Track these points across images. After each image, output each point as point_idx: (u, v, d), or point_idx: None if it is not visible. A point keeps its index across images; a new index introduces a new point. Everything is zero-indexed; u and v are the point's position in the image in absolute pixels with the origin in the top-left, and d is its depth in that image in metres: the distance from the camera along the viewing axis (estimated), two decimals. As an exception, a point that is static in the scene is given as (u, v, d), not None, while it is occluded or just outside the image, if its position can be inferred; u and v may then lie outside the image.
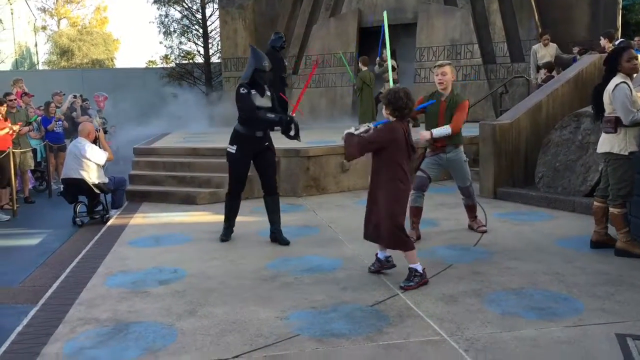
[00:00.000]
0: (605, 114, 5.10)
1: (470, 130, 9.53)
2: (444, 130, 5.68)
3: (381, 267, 4.88)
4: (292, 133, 5.97)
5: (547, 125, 8.16)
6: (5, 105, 9.16)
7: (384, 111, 4.60)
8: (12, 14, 29.87)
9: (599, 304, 4.02)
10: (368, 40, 15.10)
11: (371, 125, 4.67)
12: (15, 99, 9.99)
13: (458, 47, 14.29)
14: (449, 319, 3.85)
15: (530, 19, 13.93)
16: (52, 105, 11.72)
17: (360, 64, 12.03)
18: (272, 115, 5.90)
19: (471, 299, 4.21)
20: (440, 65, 5.79)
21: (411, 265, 4.54)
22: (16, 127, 9.16)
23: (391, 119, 4.53)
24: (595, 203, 5.41)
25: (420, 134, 5.71)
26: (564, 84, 8.56)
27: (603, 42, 10.13)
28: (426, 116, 5.91)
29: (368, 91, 11.53)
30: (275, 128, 5.99)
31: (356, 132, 4.57)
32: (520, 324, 3.76)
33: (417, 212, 5.91)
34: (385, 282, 4.64)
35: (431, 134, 5.69)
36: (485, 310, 3.99)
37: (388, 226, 4.50)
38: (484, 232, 6.05)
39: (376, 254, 4.92)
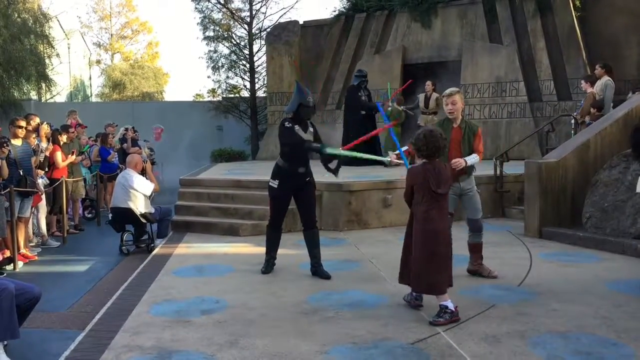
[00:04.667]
0: None
1: (515, 169, 9.45)
2: (475, 158, 5.52)
3: (410, 301, 4.94)
4: (332, 165, 6.03)
5: (595, 164, 8.01)
6: (66, 134, 9.61)
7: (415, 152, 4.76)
8: (68, 48, 31.23)
9: (650, 351, 3.89)
10: (412, 77, 15.19)
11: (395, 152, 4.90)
12: (73, 131, 10.43)
13: (503, 84, 14.24)
14: (492, 360, 3.78)
15: (578, 58, 13.80)
16: (110, 137, 12.22)
17: (395, 103, 12.46)
18: (317, 144, 6.00)
19: (515, 340, 4.12)
20: (450, 95, 5.58)
21: (441, 303, 4.53)
22: (78, 158, 9.65)
23: (421, 160, 4.68)
24: (642, 246, 5.26)
25: (454, 162, 5.36)
26: (612, 124, 8.42)
27: (653, 81, 9.93)
28: None
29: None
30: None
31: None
32: (567, 368, 3.66)
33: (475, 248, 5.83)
34: (427, 319, 4.58)
35: (465, 162, 5.43)
36: (530, 352, 3.90)
37: (414, 269, 4.63)
38: (495, 277, 5.75)
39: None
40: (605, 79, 9.96)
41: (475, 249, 5.90)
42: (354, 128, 12.15)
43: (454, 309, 4.50)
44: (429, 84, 12.68)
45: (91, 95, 37.08)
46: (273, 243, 6.33)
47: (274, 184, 6.12)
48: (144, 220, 8.05)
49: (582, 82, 10.66)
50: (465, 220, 5.93)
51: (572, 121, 10.90)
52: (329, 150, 6.01)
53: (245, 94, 21.29)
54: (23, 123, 7.74)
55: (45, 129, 9.26)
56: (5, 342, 4.13)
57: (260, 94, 20.80)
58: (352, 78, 13.38)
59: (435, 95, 12.55)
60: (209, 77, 33.68)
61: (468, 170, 5.63)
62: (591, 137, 8.26)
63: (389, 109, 12.48)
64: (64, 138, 9.45)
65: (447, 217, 4.78)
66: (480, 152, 5.63)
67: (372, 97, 13.38)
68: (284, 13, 22.76)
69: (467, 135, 5.60)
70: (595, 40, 14.03)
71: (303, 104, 6.00)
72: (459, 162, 5.38)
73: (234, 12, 21.15)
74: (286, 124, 6.01)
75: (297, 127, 6.01)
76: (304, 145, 5.95)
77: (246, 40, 21.14)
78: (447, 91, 5.65)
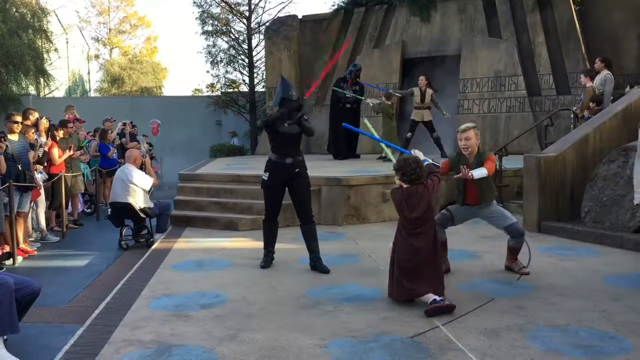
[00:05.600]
0: None
1: (514, 163, 9.45)
2: (483, 171, 5.43)
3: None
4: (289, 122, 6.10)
5: (594, 159, 8.02)
6: (63, 130, 9.60)
7: (395, 176, 4.91)
8: (67, 43, 31.13)
9: (648, 344, 3.89)
10: (411, 71, 15.19)
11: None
12: (72, 126, 10.43)
13: (502, 78, 14.22)
14: (491, 354, 3.78)
15: (577, 52, 13.79)
16: (110, 132, 12.21)
17: (384, 98, 12.54)
18: (281, 110, 6.07)
19: (514, 334, 4.13)
20: (464, 130, 5.58)
21: (429, 300, 4.58)
22: (77, 153, 9.66)
23: (401, 183, 4.84)
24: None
25: (463, 172, 5.38)
26: (611, 118, 8.41)
27: (653, 75, 9.92)
28: (456, 180, 5.68)
29: (387, 122, 12.39)
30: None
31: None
32: (565, 361, 3.67)
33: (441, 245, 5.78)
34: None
35: (472, 175, 5.38)
36: (529, 346, 3.91)
37: (396, 280, 4.83)
38: (527, 274, 5.67)
39: None
40: (605, 72, 9.94)
41: (512, 250, 5.79)
42: (339, 119, 12.41)
43: (442, 297, 4.58)
44: (422, 79, 12.59)
45: (90, 90, 36.99)
46: (270, 237, 6.35)
47: (265, 176, 6.21)
48: (143, 215, 8.06)
49: (582, 76, 10.65)
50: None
51: (572, 115, 10.90)
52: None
53: (244, 88, 21.26)
54: (19, 118, 7.73)
55: (44, 123, 9.26)
56: (5, 337, 4.14)
57: (259, 88, 20.77)
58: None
59: (430, 91, 12.52)
60: (207, 71, 33.62)
61: (488, 199, 5.61)
62: (590, 132, 8.26)
63: (375, 102, 12.58)
64: (60, 133, 9.43)
65: (431, 236, 4.83)
66: (491, 167, 5.52)
67: (365, 90, 13.57)
68: (283, 7, 22.77)
69: (477, 166, 5.52)
70: (595, 35, 14.00)
71: (285, 98, 6.10)
72: (468, 174, 5.36)
73: (232, 6, 21.09)
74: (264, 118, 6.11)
75: (274, 119, 6.12)
76: (273, 118, 6.07)
77: (245, 35, 21.09)
78: (462, 126, 5.64)
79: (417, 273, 4.72)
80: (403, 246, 4.81)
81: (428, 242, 4.80)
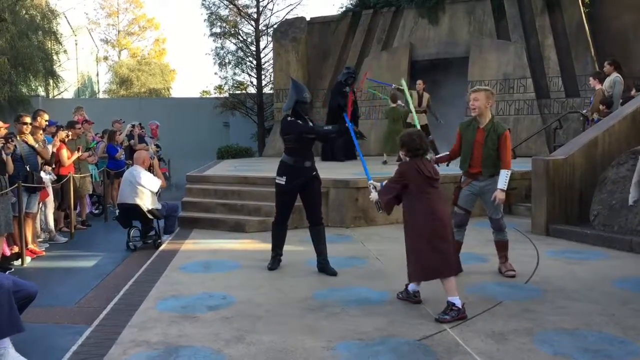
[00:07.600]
0: None
1: (522, 166, 9.42)
2: (505, 177, 5.44)
3: (407, 298, 4.99)
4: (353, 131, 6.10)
5: (603, 162, 7.97)
6: (70, 131, 9.62)
7: (400, 151, 4.87)
8: (76, 45, 31.29)
9: (658, 349, 3.87)
10: (419, 73, 15.17)
11: (375, 183, 5.24)
12: (81, 127, 10.46)
13: (511, 81, 14.18)
14: (499, 358, 3.77)
15: (586, 54, 13.73)
16: (117, 133, 12.26)
17: (389, 100, 12.51)
18: (329, 127, 6.04)
19: (522, 337, 4.11)
20: (474, 91, 5.57)
21: (449, 299, 4.52)
22: (84, 155, 9.67)
23: (406, 159, 4.80)
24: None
25: (496, 197, 5.43)
26: (621, 120, 8.37)
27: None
28: (462, 145, 5.67)
29: (391, 126, 12.20)
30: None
31: (374, 192, 5.14)
32: (574, 365, 3.64)
33: (456, 246, 5.77)
34: (433, 316, 4.57)
35: (502, 190, 5.42)
36: (537, 350, 3.89)
37: (421, 261, 4.63)
38: (513, 276, 5.67)
39: (406, 284, 5.02)
40: (614, 75, 9.90)
41: (500, 246, 5.84)
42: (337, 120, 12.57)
43: (460, 307, 4.49)
44: (420, 83, 12.60)
45: (98, 92, 37.17)
46: (279, 240, 6.33)
47: (281, 180, 6.10)
48: (150, 217, 8.08)
49: (591, 78, 10.61)
50: (478, 218, 5.90)
51: (581, 118, 10.85)
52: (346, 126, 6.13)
53: (252, 90, 21.29)
54: (28, 119, 7.77)
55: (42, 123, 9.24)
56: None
57: (267, 90, 20.80)
58: (340, 74, 13.65)
59: (427, 95, 12.51)
60: (215, 73, 33.77)
61: (490, 171, 5.54)
62: (599, 134, 8.22)
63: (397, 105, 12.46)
64: (62, 134, 9.42)
65: (445, 202, 4.79)
66: (507, 162, 5.47)
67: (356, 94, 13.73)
68: (291, 9, 22.81)
69: (490, 137, 5.49)
70: (604, 37, 13.94)
71: (300, 101, 6.01)
72: (500, 197, 5.44)
73: (240, 8, 21.14)
74: (288, 118, 6.06)
75: (298, 122, 6.03)
76: (313, 131, 5.97)
77: (253, 37, 21.12)
78: (474, 88, 5.68)
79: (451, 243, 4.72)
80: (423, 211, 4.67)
81: (447, 207, 4.78)
